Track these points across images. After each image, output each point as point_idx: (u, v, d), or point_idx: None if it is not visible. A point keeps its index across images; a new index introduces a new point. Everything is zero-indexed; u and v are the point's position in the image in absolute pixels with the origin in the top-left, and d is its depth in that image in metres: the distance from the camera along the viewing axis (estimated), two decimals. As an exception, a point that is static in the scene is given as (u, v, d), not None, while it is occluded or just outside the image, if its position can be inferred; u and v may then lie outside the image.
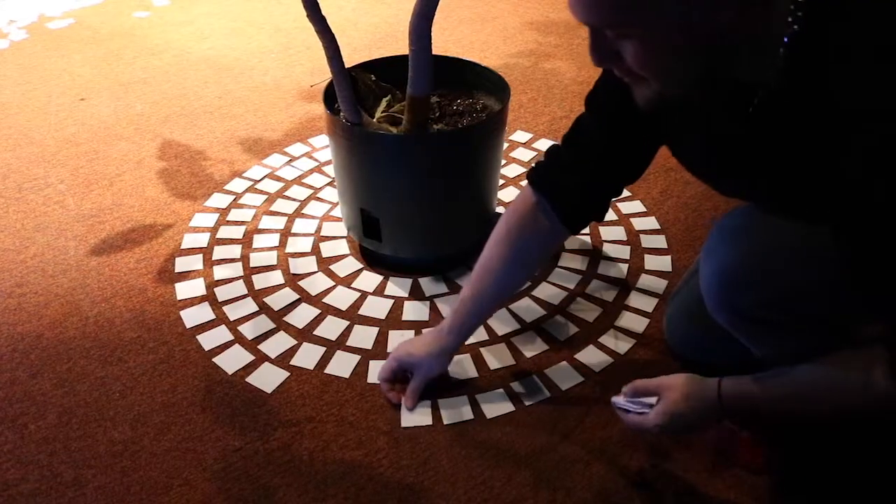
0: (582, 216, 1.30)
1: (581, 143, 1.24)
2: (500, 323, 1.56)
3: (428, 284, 1.65)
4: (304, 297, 1.63)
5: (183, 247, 1.77)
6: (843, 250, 0.90)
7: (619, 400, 1.19)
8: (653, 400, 1.15)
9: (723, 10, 0.81)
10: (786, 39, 0.84)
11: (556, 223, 1.28)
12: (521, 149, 2.08)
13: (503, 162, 1.93)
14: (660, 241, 1.75)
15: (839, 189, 0.86)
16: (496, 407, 1.39)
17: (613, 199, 1.85)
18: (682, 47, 0.85)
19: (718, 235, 1.07)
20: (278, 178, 1.99)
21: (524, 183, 1.32)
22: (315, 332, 1.54)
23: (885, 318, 0.94)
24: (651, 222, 1.80)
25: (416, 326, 1.55)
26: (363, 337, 1.53)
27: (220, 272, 1.69)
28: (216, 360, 1.49)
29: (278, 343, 1.52)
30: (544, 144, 2.09)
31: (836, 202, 0.87)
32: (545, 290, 1.63)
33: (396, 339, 1.52)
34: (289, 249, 1.76)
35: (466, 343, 1.50)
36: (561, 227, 1.28)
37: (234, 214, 1.86)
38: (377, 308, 1.60)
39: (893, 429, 1.23)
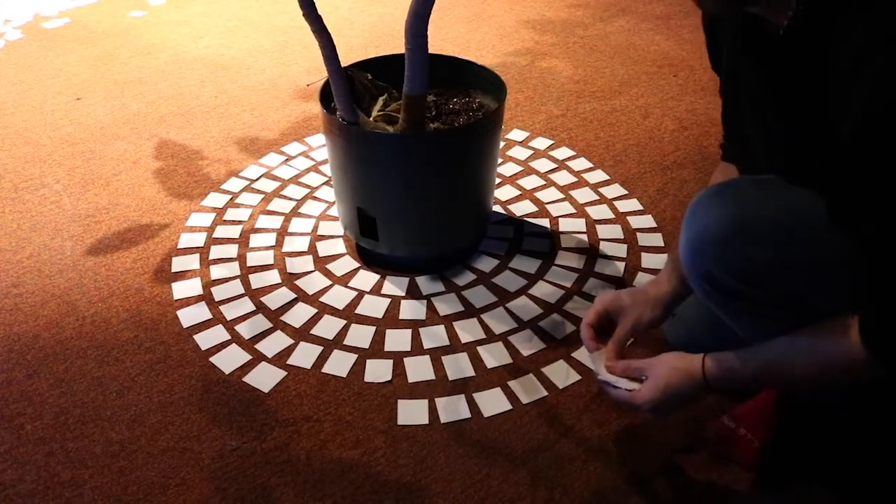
0: None
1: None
2: (497, 322, 1.56)
3: (425, 283, 1.65)
4: (301, 296, 1.63)
5: (179, 246, 1.76)
6: (828, 199, 0.93)
7: (607, 377, 1.20)
8: (635, 383, 1.17)
9: None
10: None
11: None
12: (518, 147, 2.08)
13: (500, 160, 1.94)
14: (656, 239, 1.75)
15: (842, 123, 0.88)
16: (493, 405, 1.39)
17: (610, 197, 1.87)
18: None
19: (693, 207, 1.07)
20: (275, 178, 1.99)
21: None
22: (312, 332, 1.54)
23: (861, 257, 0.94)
24: (648, 220, 1.81)
25: (413, 325, 1.55)
26: (360, 336, 1.53)
27: (216, 271, 1.69)
28: (213, 359, 1.49)
29: (275, 342, 1.52)
30: (541, 143, 2.09)
31: (837, 139, 0.89)
32: (542, 289, 1.63)
33: (393, 338, 1.52)
34: (285, 249, 1.76)
35: (464, 342, 1.50)
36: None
37: (230, 214, 1.86)
38: (374, 307, 1.60)
39: (892, 425, 1.24)
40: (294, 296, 1.63)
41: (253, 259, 1.72)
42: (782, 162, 1.07)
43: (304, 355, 1.49)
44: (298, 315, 1.58)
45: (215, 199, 1.91)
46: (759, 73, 1.04)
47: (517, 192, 1.91)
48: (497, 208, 1.85)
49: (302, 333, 1.54)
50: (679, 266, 1.24)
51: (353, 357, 1.49)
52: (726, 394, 1.32)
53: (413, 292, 1.63)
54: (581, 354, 1.48)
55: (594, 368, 1.22)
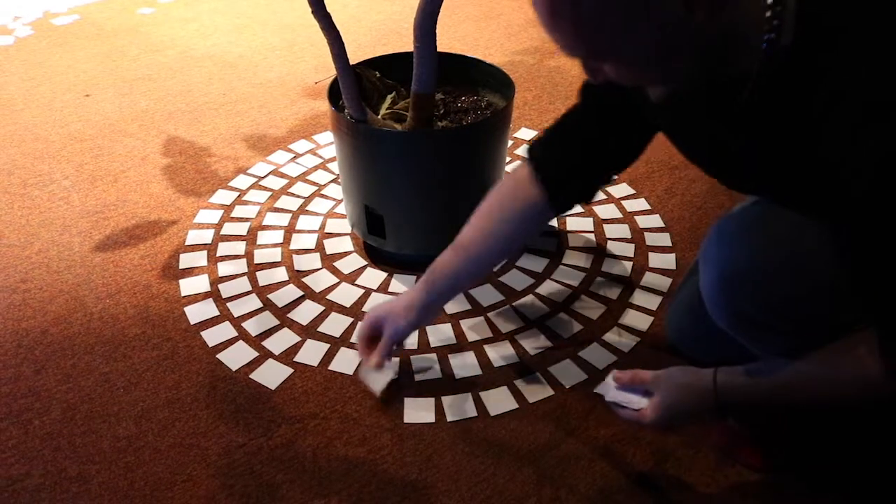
0: (567, 196, 1.29)
1: (573, 128, 1.26)
2: (505, 320, 1.56)
3: (432, 281, 1.65)
4: (308, 293, 1.63)
5: (187, 243, 1.77)
6: (839, 246, 0.90)
7: (615, 397, 1.18)
8: (644, 401, 1.14)
9: (695, 8, 0.81)
10: (766, 36, 0.85)
11: (543, 199, 1.27)
12: (526, 146, 2.07)
13: (507, 159, 1.93)
14: (664, 239, 1.75)
15: (821, 180, 0.87)
16: (500, 404, 1.39)
17: (618, 197, 1.86)
18: (664, 54, 0.86)
19: (717, 240, 1.06)
20: (283, 175, 1.99)
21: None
22: (319, 329, 1.54)
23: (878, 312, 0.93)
24: (656, 220, 1.80)
25: (420, 323, 1.55)
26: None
27: (224, 269, 1.70)
28: (220, 356, 1.49)
29: (282, 340, 1.52)
30: (549, 142, 2.09)
31: (819, 194, 0.88)
32: (549, 288, 1.63)
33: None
34: (293, 246, 1.76)
35: (471, 341, 1.50)
36: (547, 204, 1.27)
37: (238, 211, 1.87)
38: (381, 305, 1.60)
39: (893, 428, 1.23)
40: (301, 293, 1.63)
41: (260, 256, 1.73)
42: (752, 189, 1.09)
43: (311, 353, 1.49)
44: (305, 312, 1.58)
45: (223, 196, 1.91)
46: (723, 126, 0.99)
47: (525, 191, 1.91)
48: (504, 207, 1.85)
49: (309, 331, 1.54)
50: (437, 274, 1.29)
51: (359, 355, 1.49)
52: (737, 421, 1.29)
53: (420, 290, 1.63)
54: (587, 353, 1.47)
55: (602, 392, 1.21)
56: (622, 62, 0.88)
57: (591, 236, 1.76)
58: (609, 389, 1.19)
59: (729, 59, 0.88)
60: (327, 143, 2.11)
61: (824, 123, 0.85)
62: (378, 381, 1.34)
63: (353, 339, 1.42)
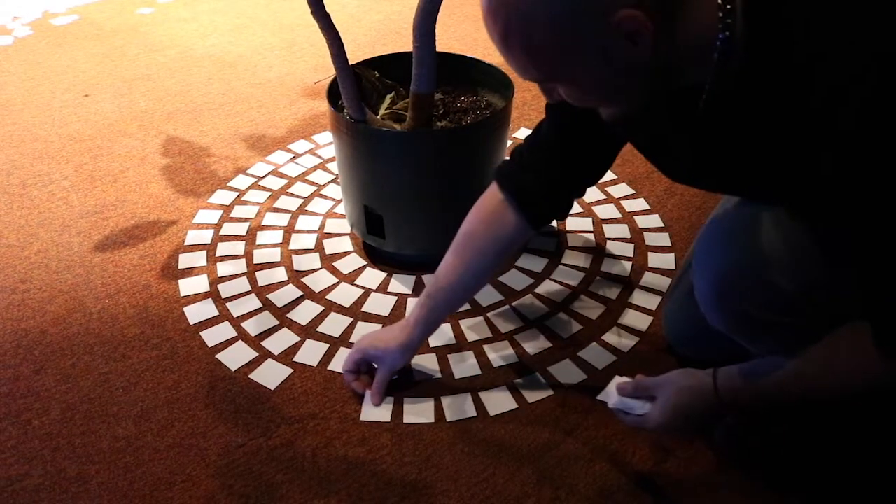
0: (544, 214, 1.31)
1: (541, 146, 1.27)
2: (504, 320, 1.56)
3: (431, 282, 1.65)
4: (308, 293, 1.63)
5: (186, 243, 1.77)
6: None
7: (618, 403, 1.18)
8: (647, 406, 1.14)
9: (639, 45, 0.82)
10: (718, 42, 0.84)
11: (520, 220, 1.29)
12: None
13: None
14: (663, 239, 1.75)
15: (789, 171, 0.88)
16: (499, 404, 1.38)
17: (617, 197, 1.86)
18: (612, 83, 0.89)
19: (708, 242, 1.06)
20: (282, 175, 1.99)
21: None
22: (318, 329, 1.54)
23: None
24: (655, 220, 1.80)
25: (420, 323, 1.55)
26: (367, 334, 1.53)
27: (223, 269, 1.69)
28: (219, 356, 1.49)
29: (282, 340, 1.52)
30: (548, 142, 2.09)
31: (789, 185, 0.89)
32: (548, 288, 1.63)
33: (399, 336, 1.52)
34: (292, 246, 1.76)
35: (470, 341, 1.50)
36: (525, 224, 1.29)
37: (237, 211, 1.87)
38: (380, 305, 1.60)
39: (894, 427, 1.23)
40: (300, 293, 1.63)
41: (260, 256, 1.73)
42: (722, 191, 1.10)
43: (311, 353, 1.49)
44: (305, 312, 1.58)
45: (222, 196, 1.91)
46: (687, 136, 1.00)
47: (524, 191, 1.91)
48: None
49: (308, 331, 1.54)
50: (431, 309, 1.34)
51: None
52: (742, 415, 1.28)
53: (420, 290, 1.62)
54: (587, 353, 1.47)
55: (605, 399, 1.21)
56: (574, 86, 0.91)
57: (591, 236, 1.76)
58: (612, 396, 1.19)
59: (683, 73, 0.89)
60: (326, 143, 2.11)
61: (784, 115, 0.85)
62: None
63: (340, 368, 1.44)
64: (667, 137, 1.04)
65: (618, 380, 1.20)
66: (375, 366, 1.39)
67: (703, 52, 0.86)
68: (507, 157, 1.33)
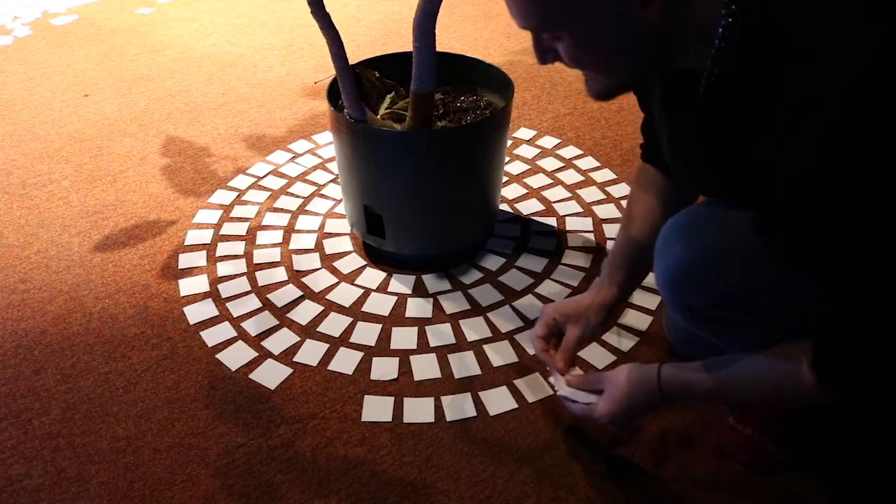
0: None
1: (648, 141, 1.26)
2: (504, 320, 1.56)
3: (431, 281, 1.65)
4: (308, 293, 1.63)
5: (186, 243, 1.77)
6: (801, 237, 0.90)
7: (566, 392, 1.20)
8: (593, 396, 1.16)
9: (648, 7, 0.82)
10: (720, 30, 0.85)
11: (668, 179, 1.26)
12: (525, 146, 2.08)
13: (507, 159, 1.94)
14: (663, 239, 1.75)
15: (759, 175, 0.87)
16: (499, 404, 1.39)
17: (617, 196, 1.86)
18: (613, 43, 0.88)
19: (667, 236, 1.07)
20: (282, 175, 1.99)
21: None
22: (318, 329, 1.54)
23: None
24: (655, 220, 1.80)
25: (420, 323, 1.55)
26: (366, 334, 1.53)
27: (223, 269, 1.69)
28: (219, 356, 1.49)
29: (281, 340, 1.52)
30: (548, 141, 2.09)
31: (760, 188, 0.88)
32: (549, 288, 1.63)
33: (399, 336, 1.52)
34: (292, 246, 1.76)
35: (470, 341, 1.50)
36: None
37: (237, 211, 1.87)
38: (380, 305, 1.60)
39: (893, 428, 1.23)
40: (300, 293, 1.63)
41: (260, 256, 1.73)
42: (703, 187, 1.09)
43: (311, 352, 1.49)
44: (305, 312, 1.58)
45: (222, 196, 1.91)
46: (679, 122, 1.01)
47: (524, 191, 1.91)
48: (504, 207, 1.85)
49: (308, 331, 1.54)
50: (617, 273, 1.27)
51: (359, 355, 1.49)
52: (737, 419, 1.28)
53: (419, 290, 1.63)
54: (587, 353, 1.47)
55: (553, 385, 1.22)
56: (575, 40, 0.89)
57: (591, 236, 1.76)
58: (561, 383, 1.21)
59: (684, 50, 0.89)
60: (326, 142, 2.11)
61: (762, 112, 0.85)
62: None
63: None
64: (677, 134, 1.03)
65: (567, 376, 1.21)
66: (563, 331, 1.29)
67: (705, 32, 0.86)
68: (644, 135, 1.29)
